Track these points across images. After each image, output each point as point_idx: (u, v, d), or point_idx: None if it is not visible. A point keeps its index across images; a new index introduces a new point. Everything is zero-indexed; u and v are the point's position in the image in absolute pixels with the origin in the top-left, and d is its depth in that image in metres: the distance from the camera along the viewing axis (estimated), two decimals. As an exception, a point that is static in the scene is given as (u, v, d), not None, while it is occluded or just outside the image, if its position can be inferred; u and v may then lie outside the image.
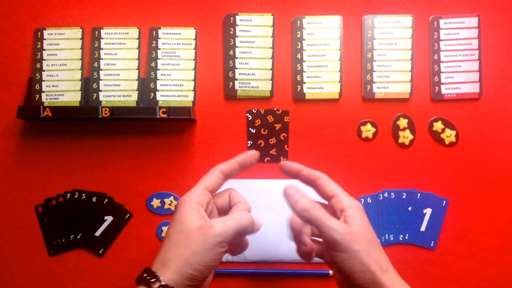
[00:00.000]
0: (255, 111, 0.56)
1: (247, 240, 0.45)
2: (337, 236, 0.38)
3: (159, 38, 0.66)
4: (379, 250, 0.40)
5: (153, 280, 0.35)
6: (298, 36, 0.66)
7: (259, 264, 0.63)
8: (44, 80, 0.65)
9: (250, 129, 0.56)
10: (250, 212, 0.43)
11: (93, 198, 0.65)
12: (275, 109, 0.57)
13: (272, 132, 0.59)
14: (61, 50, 0.66)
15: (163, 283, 0.35)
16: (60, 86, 0.66)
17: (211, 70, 0.66)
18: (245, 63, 0.66)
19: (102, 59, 0.66)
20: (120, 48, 0.66)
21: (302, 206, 0.41)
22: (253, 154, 0.45)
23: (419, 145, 0.65)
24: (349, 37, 0.66)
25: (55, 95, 0.65)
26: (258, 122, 0.59)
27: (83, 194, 0.65)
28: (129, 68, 0.66)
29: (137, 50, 0.66)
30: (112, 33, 0.66)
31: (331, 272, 0.63)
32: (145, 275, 0.36)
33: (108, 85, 0.65)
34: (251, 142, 0.54)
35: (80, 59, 0.66)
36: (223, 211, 0.45)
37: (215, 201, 0.44)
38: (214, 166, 0.44)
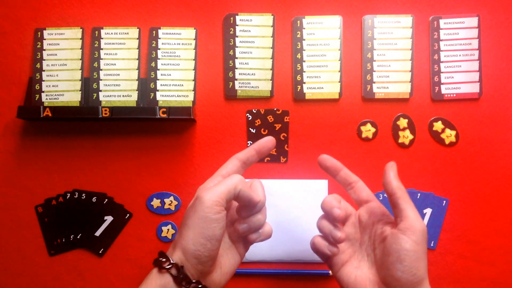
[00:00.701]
0: (255, 111, 0.56)
1: (269, 227, 0.45)
2: (420, 227, 0.39)
3: (159, 38, 0.66)
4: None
5: (163, 259, 0.38)
6: (298, 36, 0.66)
7: (259, 264, 0.64)
8: (44, 80, 0.65)
9: (250, 129, 0.56)
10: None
11: (93, 198, 0.65)
12: (275, 109, 0.57)
13: (272, 132, 0.59)
14: (61, 50, 0.66)
15: (172, 261, 0.38)
16: (60, 86, 0.66)
17: (211, 70, 0.66)
18: (245, 63, 0.66)
19: (102, 59, 0.66)
20: (120, 48, 0.66)
21: (398, 183, 0.42)
22: (270, 139, 0.46)
23: (419, 145, 0.65)
24: (349, 37, 0.66)
25: (55, 95, 0.65)
26: (258, 122, 0.59)
27: (83, 194, 0.65)
28: (129, 68, 0.66)
29: (137, 50, 0.66)
30: (112, 33, 0.66)
31: (331, 272, 0.63)
32: (159, 257, 0.38)
33: (108, 85, 0.65)
34: (251, 142, 0.54)
35: (80, 59, 0.66)
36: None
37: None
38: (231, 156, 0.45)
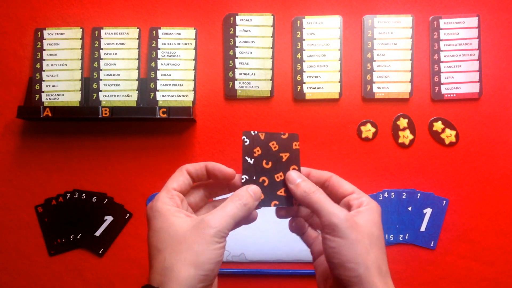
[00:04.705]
0: (254, 134, 0.39)
1: (255, 213, 0.40)
2: (335, 220, 0.34)
3: (159, 38, 0.66)
4: (382, 251, 0.36)
5: None
6: (298, 36, 0.66)
7: (259, 264, 0.64)
8: (44, 80, 0.65)
9: (246, 157, 0.39)
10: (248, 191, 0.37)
11: (93, 198, 0.65)
12: (281, 133, 0.40)
13: (278, 164, 0.40)
14: (61, 50, 0.66)
15: None
16: (60, 86, 0.66)
17: (211, 70, 0.66)
18: (245, 63, 0.66)
19: (102, 59, 0.66)
20: (120, 48, 0.66)
21: (303, 189, 0.37)
22: (228, 171, 0.39)
23: (419, 145, 0.65)
24: (349, 37, 0.66)
25: (55, 95, 0.65)
26: (258, 151, 0.40)
27: (83, 194, 0.65)
28: (129, 68, 0.66)
29: (137, 50, 0.66)
30: (112, 33, 0.66)
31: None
32: None
33: (108, 85, 0.65)
34: (246, 177, 0.39)
35: (80, 59, 0.66)
36: (201, 204, 0.41)
37: (188, 199, 0.40)
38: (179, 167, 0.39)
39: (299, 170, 0.40)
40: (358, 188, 0.40)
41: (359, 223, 0.35)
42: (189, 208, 0.40)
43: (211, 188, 0.41)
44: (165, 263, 0.32)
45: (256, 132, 0.39)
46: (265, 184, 0.40)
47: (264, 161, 0.40)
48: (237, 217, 0.35)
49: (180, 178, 0.39)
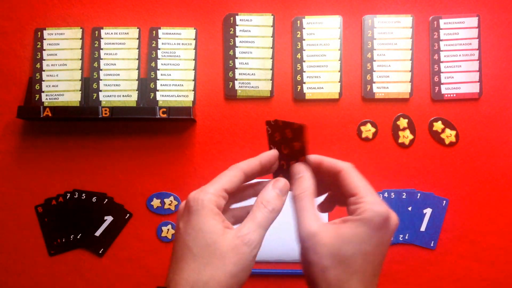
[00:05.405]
0: (273, 123, 0.41)
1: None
2: (301, 234, 0.32)
3: (159, 38, 0.66)
4: (360, 273, 0.31)
5: None
6: (298, 36, 0.66)
7: (259, 264, 0.63)
8: (44, 80, 0.65)
9: (271, 146, 0.41)
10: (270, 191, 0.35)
11: (93, 198, 0.65)
12: (293, 123, 0.41)
13: (292, 152, 0.42)
14: (61, 50, 0.66)
15: None
16: (60, 86, 0.66)
17: (211, 70, 0.66)
18: (245, 63, 0.66)
19: (102, 59, 0.66)
20: (120, 48, 0.66)
21: (294, 192, 0.35)
22: (274, 153, 0.38)
23: (419, 145, 0.65)
24: (349, 37, 0.66)
25: (55, 95, 0.65)
26: (277, 136, 0.42)
27: (83, 194, 0.65)
28: (129, 68, 0.66)
29: (137, 50, 0.66)
30: (112, 33, 0.66)
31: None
32: None
33: (108, 85, 0.65)
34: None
35: (80, 59, 0.66)
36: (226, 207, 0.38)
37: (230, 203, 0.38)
38: (233, 164, 0.36)
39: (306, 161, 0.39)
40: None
41: (323, 240, 0.31)
42: (227, 207, 0.38)
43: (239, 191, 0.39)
44: (200, 275, 0.30)
45: (276, 120, 0.40)
46: (284, 167, 0.40)
47: (283, 146, 0.41)
48: (267, 225, 0.33)
49: (234, 178, 0.35)
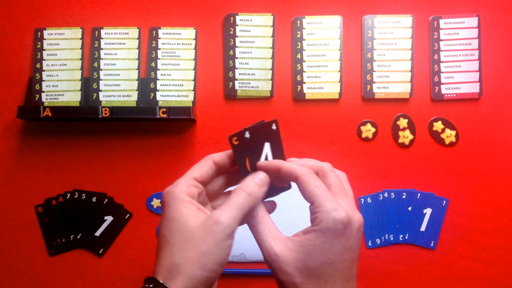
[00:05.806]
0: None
1: (274, 204, 0.40)
2: (265, 258, 0.34)
3: (159, 38, 0.66)
4: None
5: None
6: (298, 36, 0.66)
7: (259, 264, 0.63)
8: (44, 80, 0.65)
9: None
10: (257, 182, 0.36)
11: (93, 198, 0.65)
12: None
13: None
14: (61, 50, 0.66)
15: None
16: (60, 86, 0.66)
17: (211, 70, 0.66)
18: (245, 63, 0.66)
19: (102, 59, 0.66)
20: (120, 48, 0.66)
21: (248, 222, 0.36)
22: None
23: (419, 145, 0.65)
24: (349, 37, 0.66)
25: (55, 95, 0.65)
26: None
27: (83, 194, 0.65)
28: (129, 68, 0.66)
29: (137, 50, 0.66)
30: (112, 33, 0.66)
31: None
32: (151, 285, 0.31)
33: (108, 85, 0.65)
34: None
35: (80, 59, 0.66)
36: (219, 192, 0.39)
37: (207, 187, 0.38)
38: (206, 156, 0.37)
39: (282, 156, 0.38)
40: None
41: (287, 259, 0.33)
42: (206, 198, 0.38)
43: (231, 175, 0.40)
44: (173, 259, 0.32)
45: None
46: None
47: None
48: (243, 208, 0.34)
49: (204, 167, 0.37)
